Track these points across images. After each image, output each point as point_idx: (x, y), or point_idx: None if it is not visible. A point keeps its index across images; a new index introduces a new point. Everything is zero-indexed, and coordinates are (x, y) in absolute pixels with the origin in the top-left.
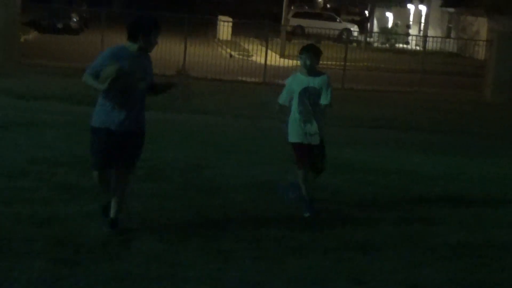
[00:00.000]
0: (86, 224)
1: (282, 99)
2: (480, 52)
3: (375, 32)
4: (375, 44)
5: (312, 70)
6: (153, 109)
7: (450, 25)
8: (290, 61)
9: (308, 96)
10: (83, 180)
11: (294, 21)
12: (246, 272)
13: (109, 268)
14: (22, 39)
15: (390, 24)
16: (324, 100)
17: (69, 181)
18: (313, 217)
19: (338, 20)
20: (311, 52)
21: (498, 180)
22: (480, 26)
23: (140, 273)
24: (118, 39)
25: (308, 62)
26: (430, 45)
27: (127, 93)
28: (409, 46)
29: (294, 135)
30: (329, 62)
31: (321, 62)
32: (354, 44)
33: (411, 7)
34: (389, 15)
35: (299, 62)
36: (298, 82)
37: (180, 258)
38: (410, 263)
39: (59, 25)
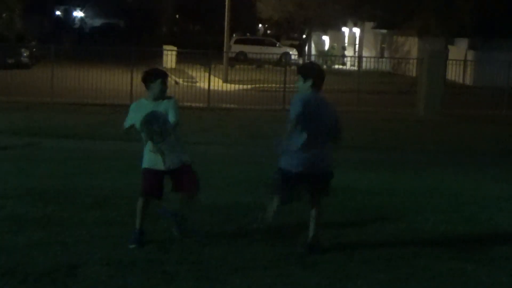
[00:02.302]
0: (34, 253)
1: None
2: (412, 70)
3: (313, 55)
4: None
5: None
6: (106, 139)
7: (383, 46)
8: (233, 86)
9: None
10: (31, 211)
11: (236, 48)
12: None
13: None
14: None
15: (326, 47)
16: (171, 118)
17: (18, 212)
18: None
19: (277, 45)
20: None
21: (429, 193)
22: (411, 45)
23: None
24: (68, 73)
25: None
26: (365, 65)
27: None
28: (345, 67)
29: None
30: (270, 85)
31: (263, 84)
32: (294, 67)
33: (345, 30)
34: (326, 39)
35: (241, 86)
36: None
37: (125, 282)
38: (346, 276)
39: (10, 61)
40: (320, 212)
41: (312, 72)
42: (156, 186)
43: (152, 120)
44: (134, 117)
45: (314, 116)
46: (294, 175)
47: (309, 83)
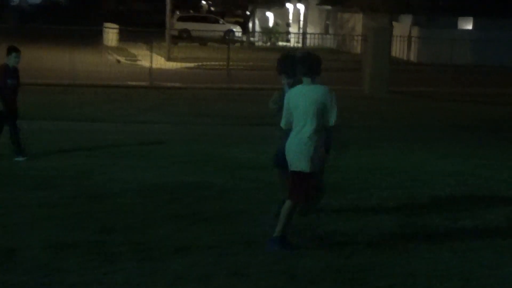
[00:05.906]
0: None
1: None
2: (357, 47)
3: (257, 32)
4: (258, 43)
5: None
6: (43, 118)
7: (328, 22)
8: (176, 64)
9: None
10: None
11: (180, 25)
12: (131, 274)
13: None
14: None
15: (271, 24)
16: None
17: None
18: None
19: (221, 22)
20: None
21: (374, 170)
22: (356, 22)
23: (26, 282)
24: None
25: None
26: (309, 41)
27: None
28: (289, 44)
29: None
30: (214, 63)
31: (206, 63)
32: (238, 44)
33: (290, 6)
34: (270, 15)
35: (185, 64)
36: None
37: (67, 264)
38: (290, 254)
39: None
40: None
41: None
42: None
43: None
44: None
45: None
46: None
47: None
